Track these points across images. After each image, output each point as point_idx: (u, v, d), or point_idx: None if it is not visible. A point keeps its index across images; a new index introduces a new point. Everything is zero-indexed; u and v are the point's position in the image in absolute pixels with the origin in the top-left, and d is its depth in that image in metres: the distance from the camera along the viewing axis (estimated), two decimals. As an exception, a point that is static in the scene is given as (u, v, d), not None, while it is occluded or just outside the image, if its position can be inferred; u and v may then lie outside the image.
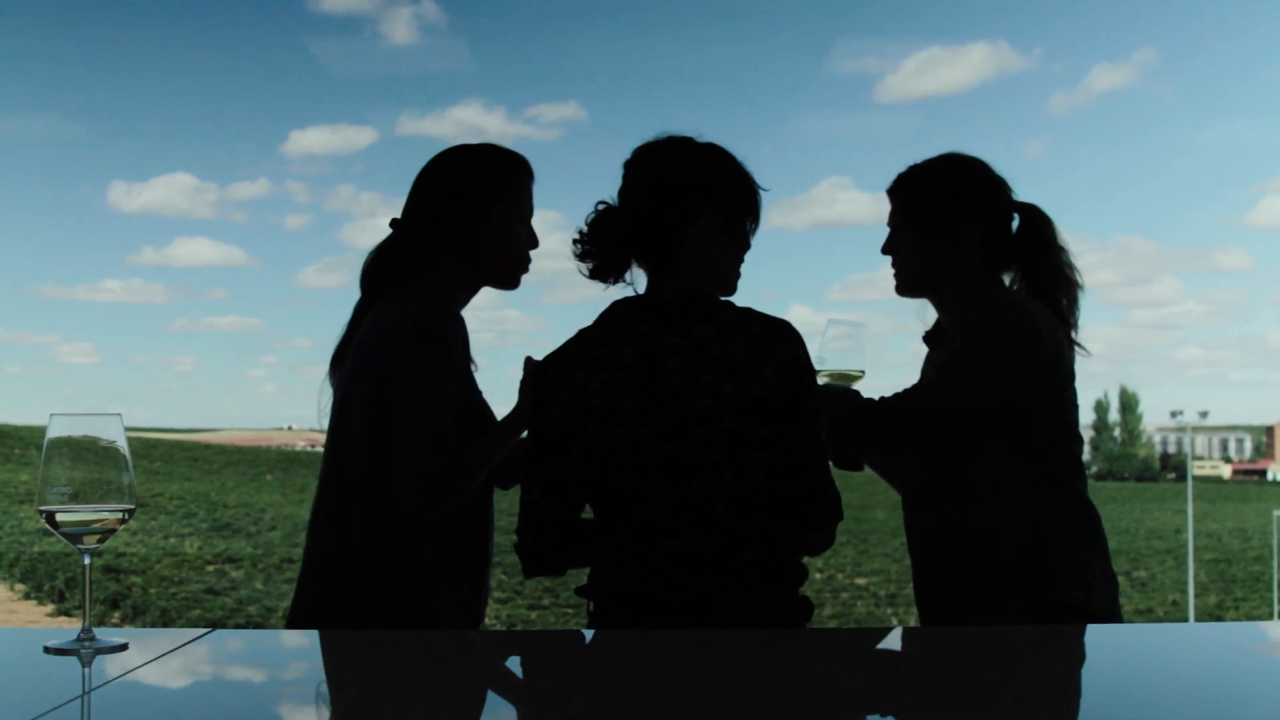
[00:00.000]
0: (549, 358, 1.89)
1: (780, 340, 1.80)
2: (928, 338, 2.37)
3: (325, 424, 2.17)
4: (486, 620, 2.25)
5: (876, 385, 2.28)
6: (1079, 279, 2.26)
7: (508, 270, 2.20)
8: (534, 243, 2.21)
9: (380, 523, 2.02)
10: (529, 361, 2.05)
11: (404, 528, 2.01)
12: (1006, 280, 2.28)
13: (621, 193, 1.92)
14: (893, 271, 2.29)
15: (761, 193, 1.94)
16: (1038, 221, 2.26)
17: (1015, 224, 2.27)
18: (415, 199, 2.18)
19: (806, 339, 1.90)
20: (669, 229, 1.87)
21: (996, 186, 2.24)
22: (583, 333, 1.89)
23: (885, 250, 2.29)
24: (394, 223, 2.19)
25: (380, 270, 2.18)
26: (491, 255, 2.16)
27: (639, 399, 1.78)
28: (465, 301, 2.19)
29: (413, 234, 2.16)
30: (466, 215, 2.13)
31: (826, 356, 2.25)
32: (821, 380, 2.22)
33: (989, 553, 2.13)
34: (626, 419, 1.78)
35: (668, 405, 1.77)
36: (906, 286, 2.29)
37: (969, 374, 2.09)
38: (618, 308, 1.88)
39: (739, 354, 1.78)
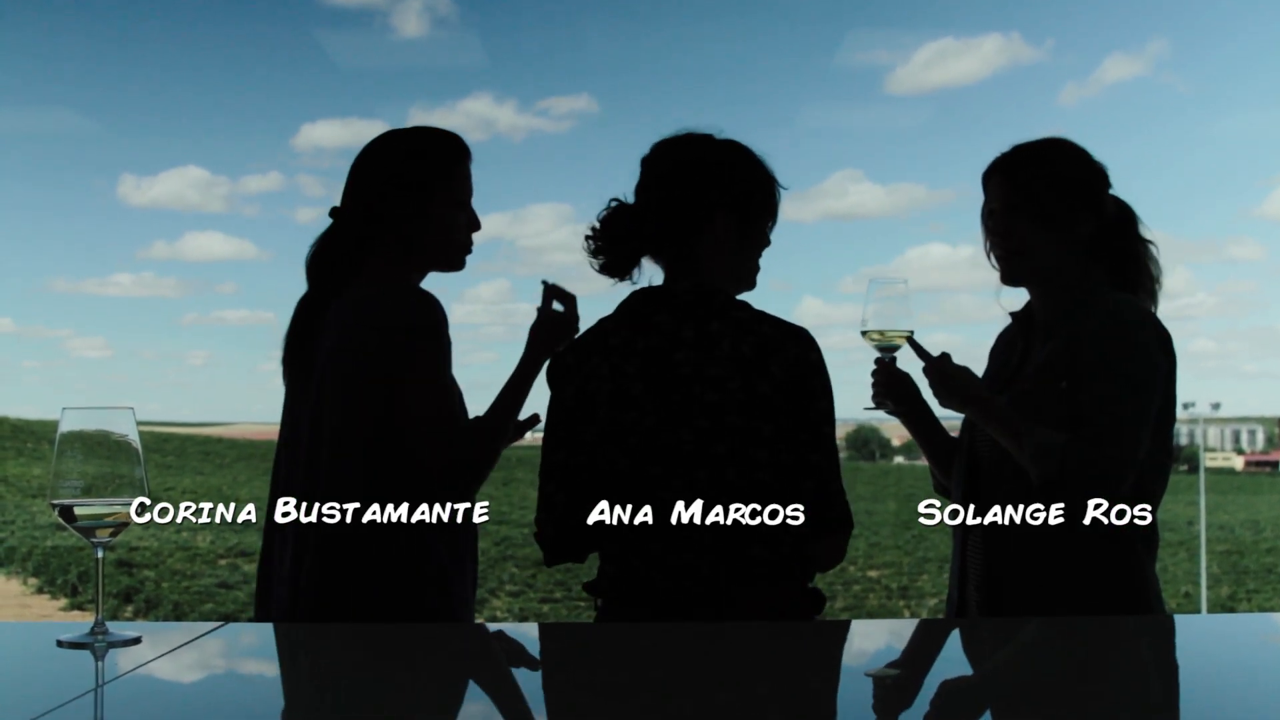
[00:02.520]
0: (568, 347, 1.93)
1: (792, 343, 1.81)
2: (1018, 317, 2.26)
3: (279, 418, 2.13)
4: (498, 614, 2.24)
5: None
6: (1159, 274, 2.19)
7: (451, 256, 2.17)
8: (475, 225, 2.17)
9: (392, 520, 1.97)
10: (547, 286, 2.10)
11: (414, 522, 1.97)
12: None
13: (639, 188, 1.93)
14: (999, 257, 2.17)
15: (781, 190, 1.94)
16: (1127, 213, 2.19)
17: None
18: (354, 188, 2.13)
19: (825, 334, 1.90)
20: (688, 226, 1.88)
21: (1101, 176, 2.16)
22: (601, 322, 1.91)
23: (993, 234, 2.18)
24: (334, 212, 2.14)
25: (325, 261, 2.12)
26: (433, 243, 2.13)
27: (647, 386, 1.79)
28: (417, 285, 2.14)
29: (354, 224, 2.11)
30: (405, 204, 2.08)
31: (871, 317, 2.18)
32: (869, 342, 2.19)
33: (1072, 561, 2.04)
34: (635, 405, 1.79)
35: (675, 394, 1.78)
36: (1014, 275, 2.17)
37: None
38: (635, 298, 1.90)
39: (748, 352, 1.78)
